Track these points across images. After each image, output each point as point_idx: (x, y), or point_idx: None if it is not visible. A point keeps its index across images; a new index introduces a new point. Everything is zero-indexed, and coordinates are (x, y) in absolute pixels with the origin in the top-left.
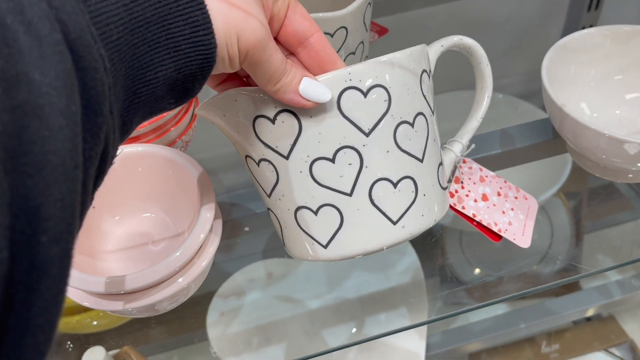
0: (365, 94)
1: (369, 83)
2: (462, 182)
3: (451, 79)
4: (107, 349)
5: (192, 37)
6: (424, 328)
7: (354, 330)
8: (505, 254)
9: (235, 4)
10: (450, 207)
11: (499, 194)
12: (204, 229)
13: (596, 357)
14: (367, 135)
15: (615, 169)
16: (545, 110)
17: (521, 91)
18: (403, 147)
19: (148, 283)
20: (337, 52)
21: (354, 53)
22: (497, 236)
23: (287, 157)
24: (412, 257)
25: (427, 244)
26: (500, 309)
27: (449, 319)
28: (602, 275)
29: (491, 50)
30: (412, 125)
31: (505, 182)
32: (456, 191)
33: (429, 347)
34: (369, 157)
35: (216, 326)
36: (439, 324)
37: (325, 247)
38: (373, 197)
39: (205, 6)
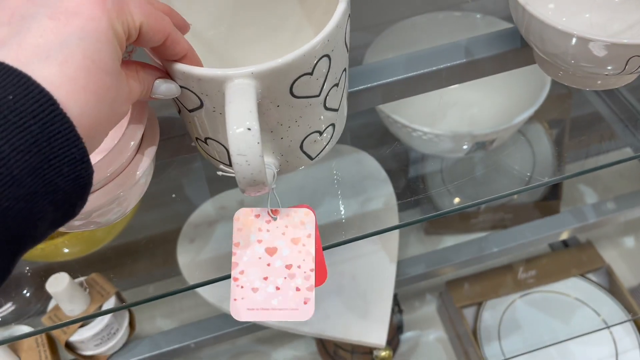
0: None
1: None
2: (275, 219)
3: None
4: (74, 278)
5: (71, 174)
6: (395, 251)
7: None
8: (487, 183)
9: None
10: (236, 219)
11: (287, 267)
12: (135, 135)
13: (572, 283)
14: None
15: (585, 76)
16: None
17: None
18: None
19: None
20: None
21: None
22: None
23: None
24: (385, 184)
25: (402, 170)
26: (476, 234)
27: (424, 246)
28: (579, 200)
29: None
30: None
31: (315, 266)
32: (257, 216)
33: (404, 273)
34: None
35: (186, 253)
36: (414, 250)
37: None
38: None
39: (81, 142)
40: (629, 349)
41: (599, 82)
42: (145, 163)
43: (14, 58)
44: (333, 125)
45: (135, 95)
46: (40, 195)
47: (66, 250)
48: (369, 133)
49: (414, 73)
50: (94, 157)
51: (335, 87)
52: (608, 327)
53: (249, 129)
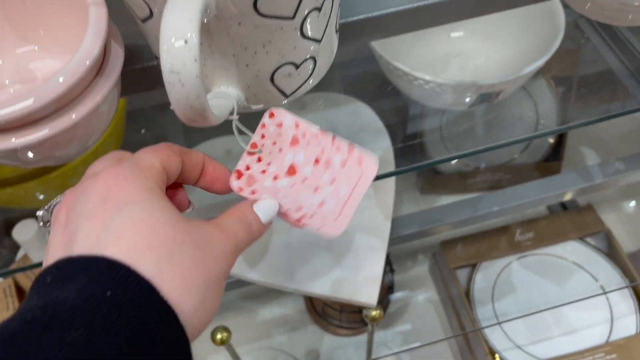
0: None
1: None
2: (259, 152)
3: None
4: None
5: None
6: (390, 207)
7: None
8: (487, 140)
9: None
10: (238, 190)
11: (316, 162)
12: (92, 53)
13: (570, 246)
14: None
15: (615, 8)
16: None
17: None
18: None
19: (23, 113)
20: None
21: None
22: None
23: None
24: (383, 136)
25: (400, 123)
26: (473, 195)
27: (419, 206)
28: (581, 162)
29: None
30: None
31: (333, 139)
32: (247, 168)
33: (397, 232)
34: None
35: None
36: (408, 209)
37: None
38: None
39: (183, 331)
40: (625, 315)
41: (630, 16)
42: (106, 87)
43: (114, 251)
44: (314, 59)
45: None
46: None
47: (40, 197)
48: (367, 82)
49: (418, 4)
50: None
51: (317, 12)
52: (605, 293)
53: (186, 42)
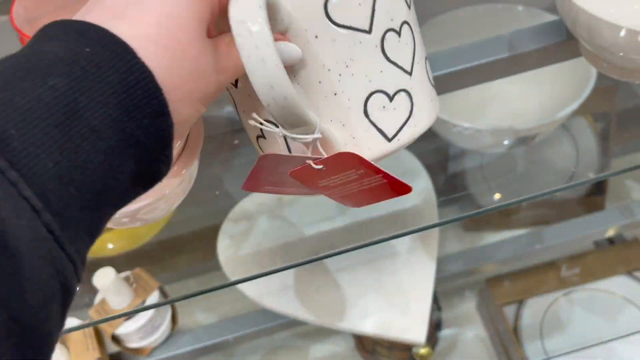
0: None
1: None
2: None
3: None
4: (118, 272)
5: (151, 128)
6: (434, 247)
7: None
8: (529, 179)
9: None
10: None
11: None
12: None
13: (618, 281)
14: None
15: (634, 68)
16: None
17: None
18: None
19: None
20: None
21: None
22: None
23: None
24: (424, 180)
25: (441, 166)
26: (518, 231)
27: (463, 243)
28: (625, 195)
29: None
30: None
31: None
32: None
33: (443, 270)
34: None
35: (227, 249)
36: (453, 246)
37: None
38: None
39: (161, 93)
40: None
41: None
42: (191, 161)
43: (94, 19)
44: (407, 93)
45: (231, 65)
46: (121, 149)
47: (110, 246)
48: None
49: (456, 68)
50: None
51: (396, 35)
52: None
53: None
